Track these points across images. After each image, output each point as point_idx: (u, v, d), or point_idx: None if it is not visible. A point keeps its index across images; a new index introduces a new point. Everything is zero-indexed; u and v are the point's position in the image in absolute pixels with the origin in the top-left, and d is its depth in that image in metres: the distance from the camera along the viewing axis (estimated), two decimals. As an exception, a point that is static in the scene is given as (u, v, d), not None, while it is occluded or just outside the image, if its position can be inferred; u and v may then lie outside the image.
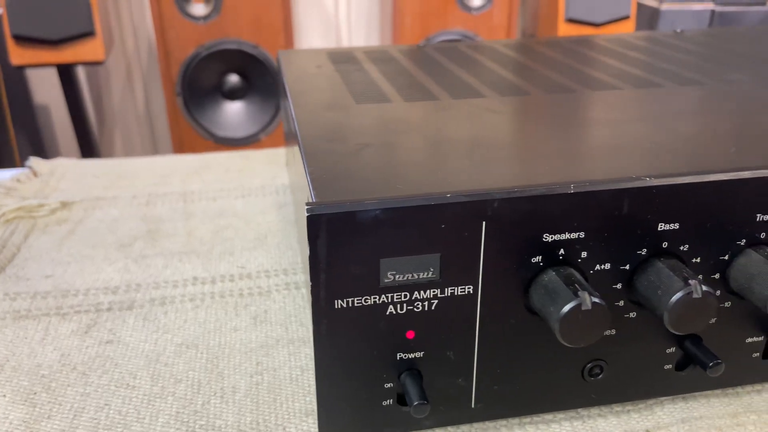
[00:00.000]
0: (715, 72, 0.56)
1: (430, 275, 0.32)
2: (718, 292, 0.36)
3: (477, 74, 0.56)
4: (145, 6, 2.34)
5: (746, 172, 0.34)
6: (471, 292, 0.33)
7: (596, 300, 0.31)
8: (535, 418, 0.41)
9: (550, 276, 0.33)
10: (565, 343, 0.32)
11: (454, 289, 0.33)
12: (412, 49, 0.66)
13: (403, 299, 0.33)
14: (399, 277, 0.32)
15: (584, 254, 0.34)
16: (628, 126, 0.42)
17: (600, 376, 0.37)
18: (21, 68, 1.96)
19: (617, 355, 0.37)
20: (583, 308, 0.31)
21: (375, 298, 0.32)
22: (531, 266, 0.33)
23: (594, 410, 0.41)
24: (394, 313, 0.33)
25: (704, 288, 0.32)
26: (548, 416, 0.41)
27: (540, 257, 0.33)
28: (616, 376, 0.37)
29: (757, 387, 0.43)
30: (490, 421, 0.39)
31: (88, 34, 1.86)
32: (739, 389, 0.42)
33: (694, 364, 0.38)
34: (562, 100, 0.48)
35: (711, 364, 0.36)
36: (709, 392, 0.42)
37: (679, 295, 0.32)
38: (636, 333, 0.36)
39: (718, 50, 0.64)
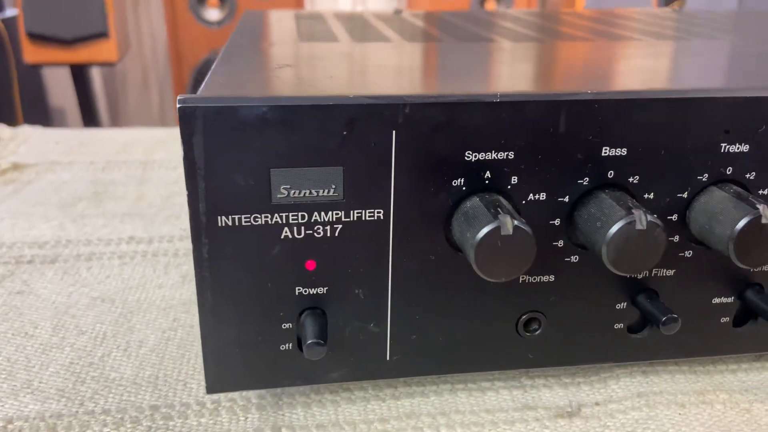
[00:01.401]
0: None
1: (331, 193, 0.28)
2: (677, 238, 0.31)
3: (442, 27, 0.52)
4: (162, 10, 2.34)
5: (705, 91, 0.29)
6: (381, 217, 0.29)
7: (519, 224, 0.26)
8: (470, 384, 0.36)
9: (473, 202, 0.28)
10: (484, 277, 0.27)
11: (361, 213, 0.29)
12: (387, 14, 0.63)
13: (300, 221, 0.28)
14: (294, 193, 0.28)
15: (515, 180, 0.29)
16: (579, 64, 0.37)
17: (538, 331, 0.32)
18: (35, 67, 1.96)
19: (557, 308, 0.32)
20: (503, 233, 0.26)
21: (266, 216, 0.28)
22: (452, 190, 0.29)
23: (539, 380, 0.36)
24: (290, 237, 0.28)
25: (649, 218, 0.27)
26: (485, 383, 0.36)
27: (462, 179, 0.29)
28: (556, 333, 0.32)
29: (732, 366, 0.37)
30: (411, 378, 0.34)
31: (102, 34, 1.86)
32: (710, 367, 0.37)
33: (651, 325, 0.33)
34: (521, 48, 0.43)
35: (664, 319, 0.30)
36: (674, 367, 0.37)
37: (619, 225, 0.27)
38: (579, 282, 0.31)
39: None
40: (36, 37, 1.81)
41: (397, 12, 0.63)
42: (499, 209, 0.27)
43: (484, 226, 0.27)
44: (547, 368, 0.37)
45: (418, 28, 0.51)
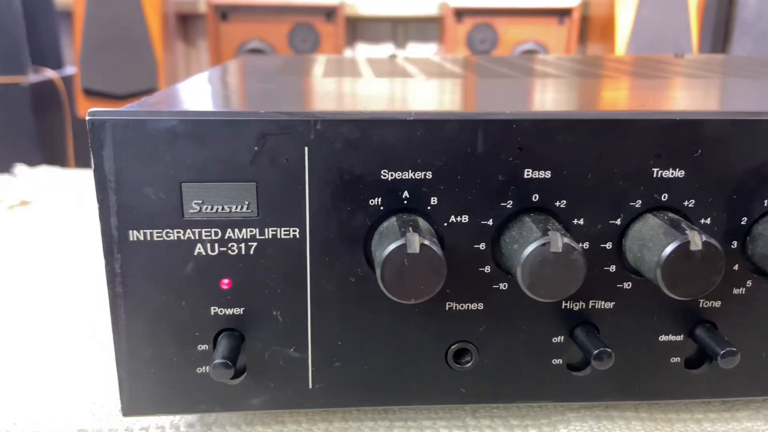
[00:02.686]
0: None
1: (245, 210, 0.28)
2: (613, 268, 0.30)
3: (421, 66, 0.52)
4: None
5: (628, 113, 0.28)
6: (297, 236, 0.28)
7: (427, 243, 0.26)
8: (410, 423, 0.34)
9: (390, 222, 0.28)
10: (391, 296, 0.26)
11: (276, 231, 0.28)
12: (383, 59, 0.63)
13: (213, 237, 0.28)
14: (207, 209, 0.28)
15: (434, 200, 0.28)
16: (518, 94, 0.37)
17: (469, 364, 0.31)
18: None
19: (488, 339, 0.31)
20: (410, 251, 0.26)
21: (179, 232, 0.28)
22: (369, 210, 0.28)
23: (485, 420, 0.35)
24: (204, 254, 0.28)
25: (566, 240, 0.26)
26: (426, 422, 0.34)
27: (379, 199, 0.28)
28: (490, 367, 0.31)
29: (698, 414, 0.35)
30: (349, 413, 0.33)
31: (152, 90, 1.94)
32: (673, 415, 0.35)
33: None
34: (491, 83, 0.43)
35: (596, 353, 0.29)
36: (631, 413, 0.35)
37: (533, 246, 0.26)
38: (510, 311, 0.30)
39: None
40: (91, 93, 1.90)
41: (392, 56, 0.64)
42: (410, 228, 0.27)
43: (391, 243, 0.26)
44: (495, 409, 0.35)
45: (399, 68, 0.51)
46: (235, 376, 0.30)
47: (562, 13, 2.55)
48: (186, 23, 2.84)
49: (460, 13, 2.54)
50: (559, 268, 0.26)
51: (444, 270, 0.26)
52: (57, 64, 2.03)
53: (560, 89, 0.39)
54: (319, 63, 0.58)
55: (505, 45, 2.46)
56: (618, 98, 0.37)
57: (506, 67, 0.54)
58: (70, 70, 2.11)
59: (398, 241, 0.26)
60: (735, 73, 0.50)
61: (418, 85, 0.40)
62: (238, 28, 2.56)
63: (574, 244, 0.26)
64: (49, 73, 1.88)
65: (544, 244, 0.26)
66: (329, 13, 2.54)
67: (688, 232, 0.26)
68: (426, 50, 2.60)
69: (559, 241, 0.26)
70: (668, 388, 0.32)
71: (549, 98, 0.36)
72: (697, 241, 0.26)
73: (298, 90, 0.38)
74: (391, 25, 2.84)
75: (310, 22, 2.55)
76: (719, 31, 2.41)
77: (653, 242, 0.27)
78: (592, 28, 2.62)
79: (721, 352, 0.29)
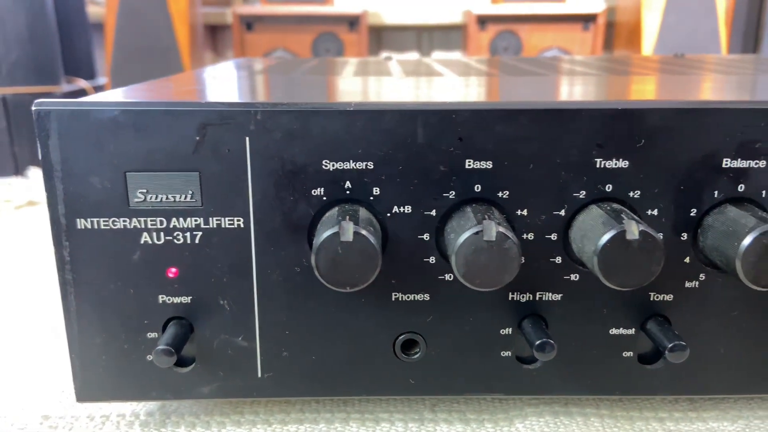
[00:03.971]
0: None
1: (189, 199, 0.28)
2: (559, 259, 0.30)
3: (405, 67, 0.52)
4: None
5: (566, 103, 0.28)
6: (242, 225, 0.29)
7: (361, 231, 0.26)
8: (367, 415, 0.34)
9: (332, 212, 0.28)
10: (326, 284, 0.27)
11: (220, 220, 0.29)
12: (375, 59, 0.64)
13: (159, 226, 0.29)
14: (152, 198, 0.28)
15: (377, 191, 0.29)
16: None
17: (417, 355, 0.31)
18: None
19: (436, 330, 0.31)
20: (343, 239, 0.26)
21: (125, 220, 0.28)
22: (312, 200, 0.29)
23: (442, 414, 0.34)
24: (150, 242, 0.29)
25: (500, 229, 0.26)
26: (383, 414, 0.34)
27: (322, 189, 0.28)
28: (439, 358, 0.31)
29: (663, 413, 0.35)
30: (308, 404, 0.33)
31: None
32: (635, 413, 0.34)
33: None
34: (477, 81, 0.43)
35: (537, 344, 0.29)
36: (592, 409, 0.34)
37: (466, 235, 0.26)
38: (456, 302, 0.30)
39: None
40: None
41: (387, 58, 0.64)
42: (347, 217, 0.27)
43: (327, 230, 0.26)
44: (455, 403, 0.35)
45: (381, 64, 0.52)
46: (185, 364, 0.31)
47: (587, 19, 2.53)
48: (215, 34, 2.89)
49: (483, 21, 2.54)
50: (493, 257, 0.26)
51: (378, 259, 0.26)
52: (89, 74, 2.08)
53: (530, 84, 0.39)
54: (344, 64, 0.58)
55: (528, 52, 2.45)
56: (575, 92, 0.37)
57: (487, 65, 0.54)
58: (102, 80, 2.16)
59: (332, 229, 0.26)
60: (720, 70, 0.49)
61: (396, 82, 0.40)
62: (264, 37, 2.59)
63: (508, 233, 0.26)
64: (82, 83, 1.93)
65: (477, 233, 0.26)
66: (352, 22, 2.56)
67: (625, 221, 0.26)
68: (450, 58, 2.60)
69: (492, 229, 0.26)
70: (622, 383, 0.31)
71: (510, 91, 0.36)
72: (634, 230, 0.26)
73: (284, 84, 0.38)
74: (416, 34, 2.86)
75: (334, 31, 2.57)
76: (749, 36, 2.38)
77: (592, 232, 0.27)
78: (619, 34, 2.60)
79: (669, 346, 0.29)
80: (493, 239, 0.26)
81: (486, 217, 0.27)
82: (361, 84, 0.39)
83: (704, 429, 0.33)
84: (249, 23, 2.61)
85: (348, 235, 0.26)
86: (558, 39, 2.53)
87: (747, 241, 0.26)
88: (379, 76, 0.44)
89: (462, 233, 0.26)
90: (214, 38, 2.90)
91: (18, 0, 1.73)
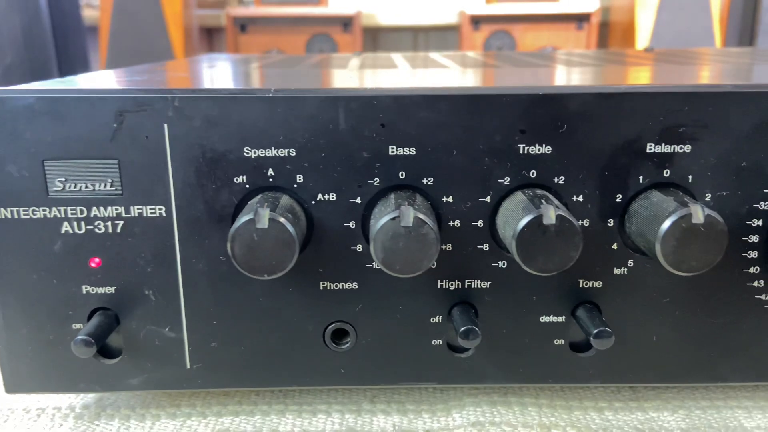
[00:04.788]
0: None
1: (108, 187, 0.28)
2: (486, 246, 0.30)
3: (365, 61, 0.52)
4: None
5: (487, 89, 0.28)
6: (164, 214, 0.29)
7: (278, 218, 0.26)
8: (305, 406, 0.34)
9: (254, 200, 0.28)
10: (243, 271, 0.26)
11: (141, 209, 0.28)
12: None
13: (80, 215, 0.28)
14: (71, 186, 0.28)
15: (300, 178, 0.28)
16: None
17: (347, 344, 0.31)
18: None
19: (366, 319, 0.30)
20: (258, 225, 0.26)
21: (44, 210, 0.28)
22: (235, 188, 0.28)
23: (381, 405, 0.34)
24: (71, 232, 0.29)
25: (418, 215, 0.26)
26: (322, 405, 0.34)
27: (244, 177, 0.28)
28: (370, 348, 0.31)
29: (602, 402, 0.34)
30: (247, 396, 0.33)
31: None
32: (575, 402, 0.34)
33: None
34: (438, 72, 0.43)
35: (461, 331, 0.28)
36: (530, 399, 0.34)
37: (384, 220, 0.26)
38: (385, 290, 0.30)
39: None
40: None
41: (357, 54, 0.64)
42: (265, 204, 0.27)
43: (244, 217, 0.26)
44: (396, 394, 0.35)
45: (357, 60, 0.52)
46: (112, 355, 0.30)
47: (581, 19, 2.53)
48: (211, 36, 2.89)
49: (477, 21, 2.54)
50: (411, 243, 0.26)
51: (295, 246, 0.26)
52: (83, 76, 2.08)
53: (476, 76, 0.39)
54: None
55: (523, 51, 2.45)
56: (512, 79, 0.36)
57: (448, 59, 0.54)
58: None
59: (247, 215, 0.26)
60: (680, 61, 0.49)
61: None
62: (257, 39, 2.60)
63: (425, 219, 0.26)
64: (73, 85, 1.93)
65: (394, 219, 0.26)
66: (346, 23, 2.56)
67: (542, 206, 0.26)
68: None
69: (409, 215, 0.26)
70: (554, 371, 0.31)
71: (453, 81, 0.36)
72: (551, 215, 0.26)
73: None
74: (412, 34, 2.86)
75: (327, 32, 2.58)
76: (745, 34, 2.37)
77: (512, 218, 0.27)
78: (613, 32, 2.60)
79: (595, 332, 0.28)
80: (410, 225, 0.26)
81: (406, 203, 0.26)
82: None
83: (643, 419, 0.33)
84: (243, 25, 2.61)
85: (263, 222, 0.26)
86: (552, 38, 2.53)
87: (666, 224, 0.26)
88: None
89: (380, 219, 0.26)
90: (210, 40, 2.91)
91: (12, 3, 1.73)
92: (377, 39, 2.85)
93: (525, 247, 0.26)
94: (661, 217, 0.26)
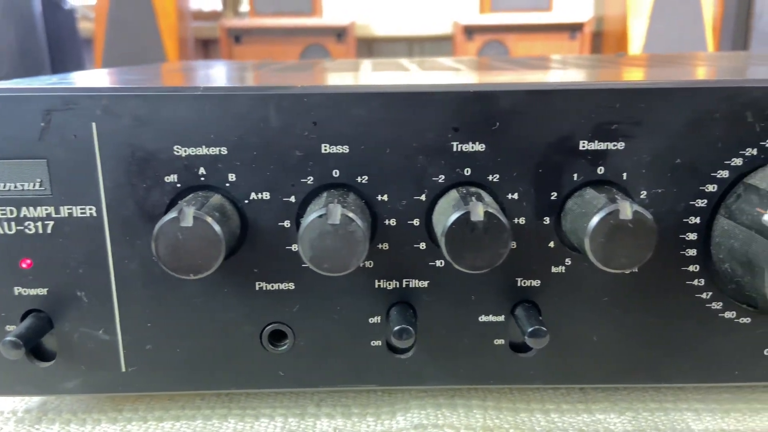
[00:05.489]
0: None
1: (37, 187, 0.28)
2: (423, 245, 0.29)
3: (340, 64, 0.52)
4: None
5: (419, 86, 0.28)
6: (95, 214, 0.28)
7: (204, 217, 0.25)
8: (248, 411, 0.34)
9: (186, 199, 0.28)
10: (169, 271, 0.26)
11: (71, 209, 0.28)
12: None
13: (9, 216, 0.28)
14: (0, 186, 0.28)
15: (232, 177, 0.28)
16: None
17: (284, 346, 0.30)
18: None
19: (303, 320, 0.30)
20: (182, 224, 0.25)
21: (-26, 210, 0.28)
22: (166, 187, 0.28)
23: (326, 408, 0.34)
24: (1, 232, 0.28)
25: (345, 212, 0.25)
26: (265, 409, 0.34)
27: (175, 176, 0.28)
28: (308, 349, 0.30)
29: (550, 404, 0.34)
30: (191, 401, 0.33)
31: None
32: (522, 405, 0.34)
33: (415, 344, 0.31)
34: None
35: (394, 330, 0.28)
36: (477, 401, 0.34)
37: (311, 218, 0.26)
38: (322, 291, 0.30)
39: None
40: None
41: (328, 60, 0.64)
42: (192, 203, 0.26)
43: (165, 217, 0.26)
44: (344, 398, 0.34)
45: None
46: (46, 358, 0.30)
47: (574, 28, 2.54)
48: (207, 47, 2.90)
49: (471, 31, 2.54)
50: (338, 241, 0.26)
51: (221, 245, 0.26)
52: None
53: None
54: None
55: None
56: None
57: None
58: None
59: (171, 214, 0.25)
60: (634, 63, 0.49)
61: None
62: (252, 50, 2.60)
63: (353, 216, 0.25)
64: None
65: (321, 216, 0.25)
66: (339, 33, 2.57)
67: (471, 203, 0.26)
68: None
69: (336, 213, 0.25)
70: (495, 372, 0.31)
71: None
72: (479, 212, 0.25)
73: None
74: (407, 45, 2.87)
75: (321, 43, 2.58)
76: (738, 41, 2.38)
77: (444, 215, 0.27)
78: (607, 41, 2.61)
79: (529, 330, 0.28)
80: (338, 222, 0.25)
81: (335, 201, 0.26)
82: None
83: (589, 420, 0.32)
84: (237, 36, 2.62)
85: (188, 221, 0.25)
86: (545, 48, 2.54)
87: (594, 221, 0.25)
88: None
89: (307, 217, 0.26)
90: (206, 52, 2.92)
91: (8, 15, 1.74)
92: (372, 49, 2.86)
93: (453, 244, 0.26)
94: (590, 213, 0.26)
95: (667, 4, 2.33)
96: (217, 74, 0.40)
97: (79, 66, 2.16)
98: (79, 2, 2.50)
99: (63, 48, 2.07)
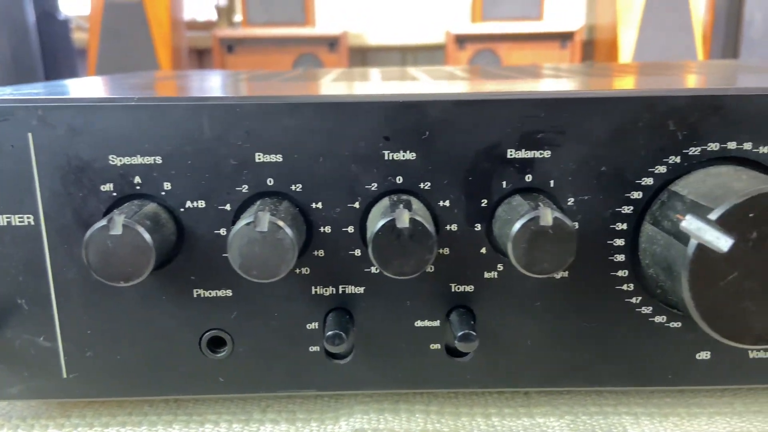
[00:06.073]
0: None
1: (-24, 197, 0.28)
2: (358, 252, 0.30)
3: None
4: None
5: (352, 96, 0.28)
6: (32, 222, 0.29)
7: (134, 226, 0.26)
8: (195, 417, 0.34)
9: (121, 207, 0.28)
10: (99, 278, 0.26)
11: (10, 218, 0.29)
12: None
13: (-51, 225, 0.29)
14: (-61, 196, 0.28)
15: (168, 186, 0.29)
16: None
17: (224, 352, 0.31)
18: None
19: (241, 327, 0.30)
20: (111, 232, 0.26)
21: None
22: (102, 196, 0.29)
23: (271, 414, 0.34)
24: (-59, 241, 0.29)
25: (273, 220, 0.26)
26: (212, 416, 0.34)
27: (111, 185, 0.28)
28: (248, 355, 0.31)
29: (492, 408, 0.34)
30: (139, 407, 0.33)
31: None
32: (465, 409, 0.34)
33: (354, 350, 0.31)
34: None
35: (327, 335, 0.28)
36: (421, 406, 0.34)
37: (239, 226, 0.26)
38: (260, 297, 0.30)
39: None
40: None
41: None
42: (124, 211, 0.27)
43: (98, 224, 0.26)
44: (290, 404, 0.35)
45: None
46: (-13, 364, 0.30)
47: (564, 37, 2.55)
48: (201, 57, 2.91)
49: (462, 40, 2.56)
50: (266, 248, 0.26)
51: (151, 252, 0.26)
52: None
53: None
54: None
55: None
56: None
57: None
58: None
59: (101, 222, 0.26)
60: (592, 73, 0.49)
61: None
62: (244, 60, 2.61)
63: (281, 224, 0.26)
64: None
65: (248, 224, 0.26)
66: (332, 43, 2.58)
67: (397, 210, 0.26)
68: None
69: (264, 220, 0.26)
70: (432, 376, 0.31)
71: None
72: (404, 219, 0.26)
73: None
74: (401, 54, 2.88)
75: (314, 53, 2.59)
76: (728, 49, 2.39)
77: (373, 222, 0.27)
78: (598, 50, 2.62)
79: (458, 334, 0.28)
80: (266, 230, 0.26)
81: (266, 209, 0.27)
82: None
83: (528, 424, 0.33)
84: (230, 46, 2.63)
85: (117, 229, 0.26)
86: (536, 57, 2.55)
87: (516, 227, 0.26)
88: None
89: (237, 225, 0.26)
90: (201, 61, 2.93)
91: (1, 26, 1.75)
92: (366, 58, 2.87)
93: (380, 250, 0.26)
94: (514, 220, 0.26)
95: (656, 12, 2.34)
96: (182, 83, 0.41)
97: (72, 76, 2.17)
98: (74, 13, 2.51)
99: (57, 58, 2.08)
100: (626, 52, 2.40)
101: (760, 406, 0.34)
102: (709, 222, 0.24)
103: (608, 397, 0.35)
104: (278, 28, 2.56)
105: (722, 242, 0.24)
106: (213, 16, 2.91)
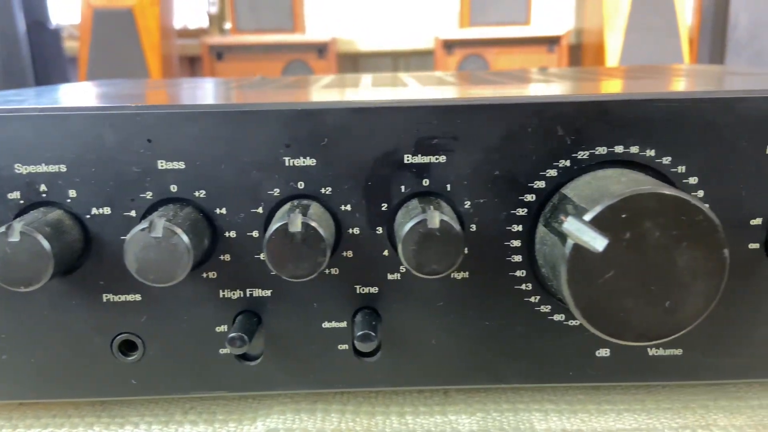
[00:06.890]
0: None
1: None
2: (262, 256, 0.30)
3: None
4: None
5: (252, 105, 0.29)
6: (-57, 230, 0.29)
7: (31, 233, 0.27)
8: (117, 419, 0.35)
9: (25, 215, 0.29)
10: (1, 284, 0.27)
11: None
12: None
13: None
14: None
15: (72, 193, 0.29)
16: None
17: (134, 355, 0.31)
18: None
19: (152, 330, 0.31)
20: (9, 239, 0.27)
21: None
22: (9, 204, 0.29)
23: (190, 416, 0.35)
24: None
25: (169, 226, 0.27)
26: (134, 417, 0.35)
27: (18, 193, 0.29)
28: (159, 358, 0.31)
29: (408, 408, 0.35)
30: (50, 403, 0.34)
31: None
32: (380, 408, 0.35)
33: (264, 352, 0.32)
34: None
35: (229, 337, 0.29)
36: (337, 406, 0.35)
37: (134, 231, 0.27)
38: (168, 301, 0.31)
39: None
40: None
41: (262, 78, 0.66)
42: (26, 219, 0.27)
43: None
44: (213, 405, 0.35)
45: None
46: None
47: (552, 42, 2.56)
48: (193, 64, 2.92)
49: (450, 45, 2.57)
50: (161, 253, 0.27)
51: (48, 258, 0.27)
52: (65, 106, 2.09)
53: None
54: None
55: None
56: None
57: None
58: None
59: (2, 227, 0.27)
60: (532, 79, 0.50)
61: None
62: (234, 67, 2.62)
63: (174, 229, 0.27)
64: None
65: (143, 229, 0.27)
66: (321, 49, 2.59)
67: (290, 215, 0.27)
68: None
69: (159, 225, 0.27)
70: (342, 376, 0.32)
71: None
72: (297, 222, 0.27)
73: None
74: (392, 60, 2.89)
75: (303, 59, 2.60)
76: (716, 53, 2.40)
77: (270, 227, 0.28)
78: (585, 54, 2.63)
79: (358, 334, 0.29)
80: (160, 235, 0.27)
81: (163, 215, 0.27)
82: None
83: (440, 422, 0.33)
84: (219, 53, 2.64)
85: (15, 236, 0.27)
86: (524, 61, 2.56)
87: (405, 230, 0.27)
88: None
89: (132, 231, 0.27)
90: (192, 69, 2.94)
91: (-9, 35, 1.75)
92: (357, 64, 2.88)
93: (274, 253, 0.27)
94: (405, 223, 0.27)
95: (642, 17, 2.35)
96: (105, 91, 0.42)
97: (64, 83, 2.17)
98: (65, 22, 2.52)
99: (48, 67, 2.08)
100: (613, 56, 2.41)
101: (671, 404, 0.35)
102: (585, 223, 0.25)
103: (523, 394, 0.35)
104: (267, 35, 2.57)
105: (598, 242, 0.25)
106: (205, 24, 2.92)
